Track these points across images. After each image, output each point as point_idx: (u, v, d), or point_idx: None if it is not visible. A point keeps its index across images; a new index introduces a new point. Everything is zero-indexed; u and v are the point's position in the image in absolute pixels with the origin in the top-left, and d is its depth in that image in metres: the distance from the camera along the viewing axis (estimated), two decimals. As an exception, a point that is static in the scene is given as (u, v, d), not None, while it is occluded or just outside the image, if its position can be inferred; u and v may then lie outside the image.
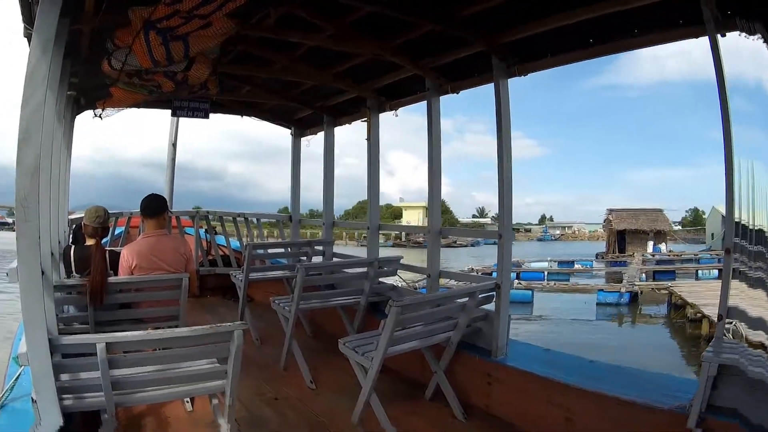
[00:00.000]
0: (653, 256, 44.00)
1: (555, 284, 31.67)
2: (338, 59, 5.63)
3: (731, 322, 3.28)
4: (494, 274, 4.82)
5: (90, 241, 4.74)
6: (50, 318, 2.82)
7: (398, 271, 6.25)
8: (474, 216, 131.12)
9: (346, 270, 6.22)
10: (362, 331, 5.17)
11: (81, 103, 6.56)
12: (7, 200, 52.33)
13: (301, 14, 4.32)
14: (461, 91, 5.30)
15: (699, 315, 19.87)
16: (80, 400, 2.88)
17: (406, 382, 4.93)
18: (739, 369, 3.07)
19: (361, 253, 7.92)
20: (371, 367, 3.87)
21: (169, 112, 7.22)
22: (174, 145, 10.94)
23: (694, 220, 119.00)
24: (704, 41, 3.42)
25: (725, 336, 3.35)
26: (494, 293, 4.56)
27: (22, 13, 3.24)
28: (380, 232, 6.70)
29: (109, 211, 5.11)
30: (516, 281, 29.50)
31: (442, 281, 6.40)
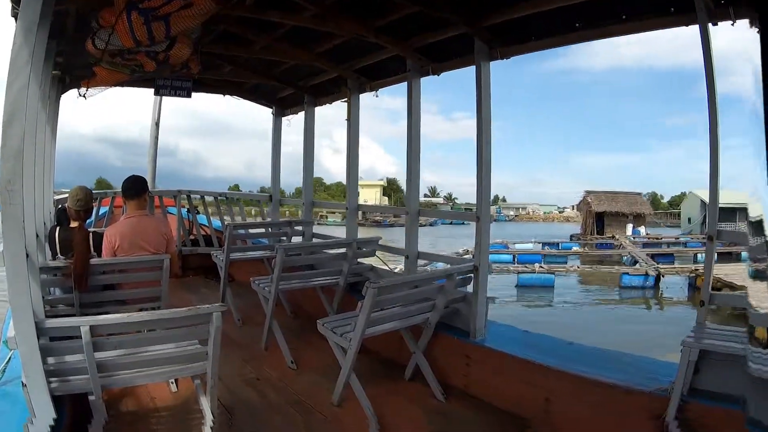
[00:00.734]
0: (634, 238, 44.06)
1: (579, 267, 29.46)
2: (319, 39, 5.62)
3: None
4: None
5: (74, 223, 4.75)
6: (36, 301, 2.83)
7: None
8: (426, 195, 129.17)
9: (325, 250, 6.24)
10: (342, 312, 5.20)
11: (66, 82, 6.53)
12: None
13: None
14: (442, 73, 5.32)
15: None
16: (67, 383, 2.92)
17: (386, 362, 4.96)
18: (722, 354, 3.09)
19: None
20: (350, 348, 3.92)
21: (151, 90, 7.14)
22: (157, 124, 10.85)
23: (653, 204, 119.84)
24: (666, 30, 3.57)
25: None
26: (472, 275, 4.59)
27: (9, -8, 3.23)
28: (336, 211, 6.72)
29: (93, 192, 5.11)
30: (519, 264, 28.86)
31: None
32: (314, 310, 5.91)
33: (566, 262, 31.25)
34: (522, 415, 3.98)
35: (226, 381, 4.39)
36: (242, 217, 9.75)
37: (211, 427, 3.30)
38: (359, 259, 6.01)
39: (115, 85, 6.13)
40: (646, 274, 25.72)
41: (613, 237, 45.30)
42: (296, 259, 5.67)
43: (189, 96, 7.09)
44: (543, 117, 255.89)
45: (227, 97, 8.37)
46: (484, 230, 4.61)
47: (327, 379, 4.33)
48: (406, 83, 5.47)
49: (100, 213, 8.76)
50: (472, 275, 4.60)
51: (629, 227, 48.85)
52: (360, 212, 7.25)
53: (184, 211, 9.16)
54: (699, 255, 32.87)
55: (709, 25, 3.29)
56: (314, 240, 7.26)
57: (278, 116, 8.57)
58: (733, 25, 3.24)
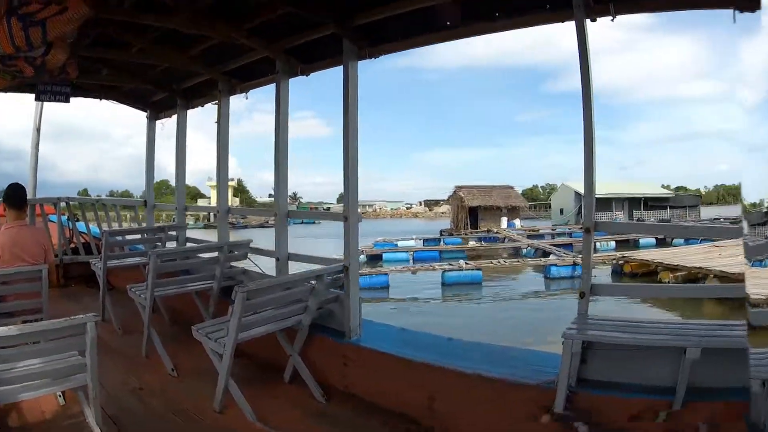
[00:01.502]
0: (512, 231, 45.18)
1: (499, 263, 29.12)
2: (193, 42, 5.59)
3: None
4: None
5: None
6: None
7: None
8: (270, 195, 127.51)
9: (199, 255, 6.25)
10: (218, 316, 5.15)
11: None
12: None
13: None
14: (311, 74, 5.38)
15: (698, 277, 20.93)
16: None
17: (264, 365, 4.95)
18: (607, 344, 3.19)
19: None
20: (224, 354, 3.93)
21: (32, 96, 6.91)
22: (38, 130, 10.37)
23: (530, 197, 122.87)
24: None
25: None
26: (342, 275, 4.66)
27: None
28: (188, 213, 6.71)
29: None
30: (418, 264, 28.89)
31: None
32: (192, 316, 5.85)
33: (465, 258, 31.20)
34: (408, 415, 3.97)
35: (111, 390, 4.33)
36: (119, 223, 9.52)
37: None
38: (232, 263, 6.04)
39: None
40: (574, 264, 25.59)
41: (489, 231, 46.38)
42: (170, 264, 5.65)
43: (67, 101, 6.91)
44: (390, 114, 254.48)
45: (78, 99, 8.07)
46: (352, 230, 4.65)
47: (208, 385, 4.25)
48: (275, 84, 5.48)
49: None
50: (343, 275, 4.66)
51: (503, 220, 50.32)
52: (212, 215, 7.32)
53: (64, 218, 8.85)
54: (598, 244, 33.94)
55: (587, 21, 3.41)
56: (188, 245, 7.23)
57: (152, 120, 8.38)
58: (612, 20, 3.38)
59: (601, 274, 24.99)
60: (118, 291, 7.21)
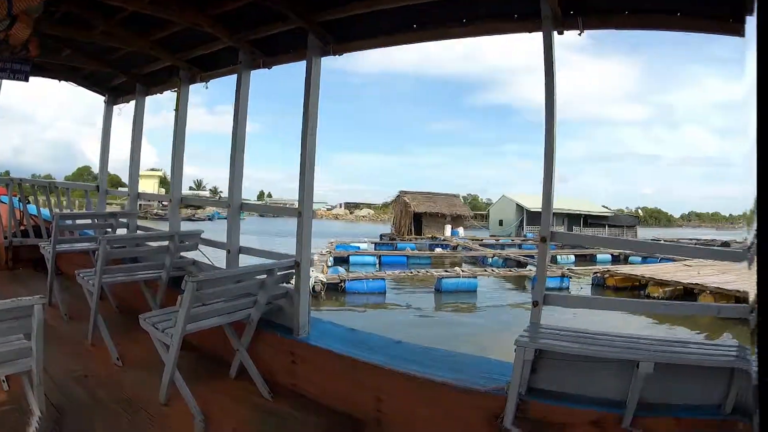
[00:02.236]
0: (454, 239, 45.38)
1: (499, 270, 28.27)
2: (157, 26, 5.48)
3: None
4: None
5: None
6: None
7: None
8: (191, 188, 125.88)
9: (149, 243, 6.19)
10: (165, 307, 5.12)
11: None
12: None
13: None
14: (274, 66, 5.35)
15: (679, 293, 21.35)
16: None
17: (211, 359, 4.90)
18: (558, 354, 3.19)
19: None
20: (171, 344, 3.89)
21: None
22: (-7, 109, 10.18)
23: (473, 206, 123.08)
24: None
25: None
26: (293, 271, 4.63)
27: None
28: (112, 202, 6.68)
29: None
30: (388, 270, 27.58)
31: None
32: (139, 305, 5.73)
33: (430, 263, 31.14)
34: (354, 416, 3.97)
35: (56, 378, 4.24)
36: (69, 208, 9.32)
37: (36, 428, 3.22)
38: (182, 253, 6.01)
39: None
40: (562, 276, 25.13)
41: (434, 237, 46.91)
42: (120, 251, 5.59)
43: (26, 80, 6.76)
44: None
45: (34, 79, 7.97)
46: (306, 226, 4.62)
47: (154, 376, 4.19)
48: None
49: None
50: (294, 271, 4.64)
51: (448, 228, 50.31)
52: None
53: (15, 200, 8.64)
54: (558, 257, 33.78)
55: (554, 33, 3.46)
56: (138, 232, 7.19)
57: (110, 104, 8.26)
58: (580, 35, 3.45)
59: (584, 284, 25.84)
60: (66, 276, 7.08)
